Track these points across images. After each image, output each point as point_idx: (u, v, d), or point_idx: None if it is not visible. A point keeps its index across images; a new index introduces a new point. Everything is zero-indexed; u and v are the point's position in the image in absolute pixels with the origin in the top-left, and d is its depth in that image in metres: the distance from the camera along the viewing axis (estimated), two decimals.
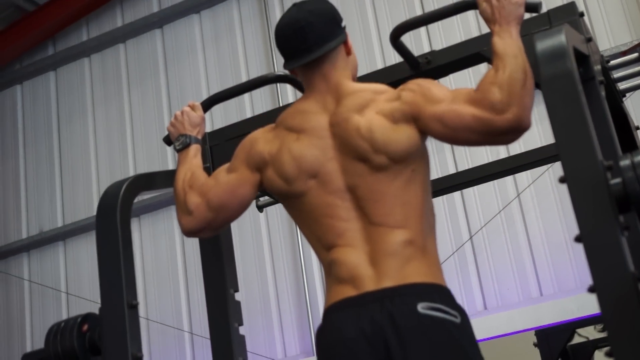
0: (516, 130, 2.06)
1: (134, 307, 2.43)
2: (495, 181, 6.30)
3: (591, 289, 1.90)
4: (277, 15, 7.56)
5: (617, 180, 1.93)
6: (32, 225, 8.20)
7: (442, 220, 6.52)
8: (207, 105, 2.82)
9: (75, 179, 7.99)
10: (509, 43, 2.14)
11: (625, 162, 1.94)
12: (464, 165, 6.37)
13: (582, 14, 2.60)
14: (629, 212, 1.93)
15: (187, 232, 2.44)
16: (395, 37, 2.64)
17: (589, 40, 2.53)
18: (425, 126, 2.18)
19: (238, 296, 2.93)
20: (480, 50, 2.68)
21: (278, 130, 2.34)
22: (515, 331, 6.14)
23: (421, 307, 2.05)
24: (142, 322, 7.31)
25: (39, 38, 8.52)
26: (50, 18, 8.36)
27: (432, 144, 7.00)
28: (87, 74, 8.43)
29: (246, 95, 7.50)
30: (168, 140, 2.78)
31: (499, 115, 2.04)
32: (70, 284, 7.74)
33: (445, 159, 6.64)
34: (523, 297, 6.19)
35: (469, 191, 6.47)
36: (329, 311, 2.17)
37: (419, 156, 2.23)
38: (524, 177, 6.28)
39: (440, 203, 6.50)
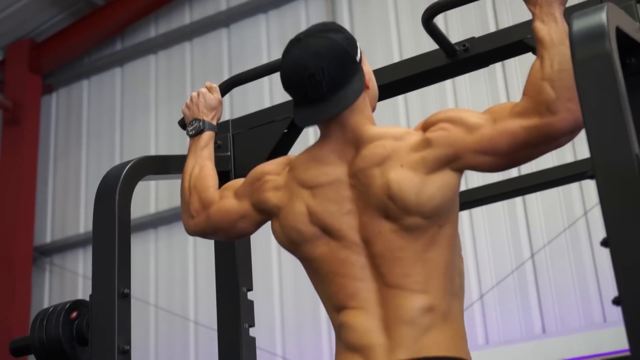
0: (576, 128, 1.84)
1: (125, 297, 2.27)
2: (561, 197, 6.02)
3: (616, 301, 1.65)
4: (344, 17, 7.41)
5: None
6: (89, 221, 8.17)
7: (502, 236, 6.25)
8: (226, 87, 2.67)
9: None
10: (553, 28, 1.91)
11: None
12: (527, 169, 6.08)
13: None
14: None
15: (189, 233, 2.35)
16: (428, 19, 2.42)
17: None
18: (470, 164, 1.93)
19: (251, 295, 2.74)
20: (524, 38, 2.44)
21: (290, 179, 2.10)
22: (574, 357, 5.80)
23: None
24: (191, 326, 7.24)
25: (107, 33, 8.54)
26: (119, 13, 8.38)
27: None
28: (152, 72, 8.39)
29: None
30: (183, 124, 2.62)
31: (555, 116, 1.82)
32: None
33: None
34: (585, 322, 5.85)
35: (533, 206, 6.18)
36: None
37: (449, 208, 1.96)
38: (592, 192, 5.95)
39: (500, 216, 6.24)
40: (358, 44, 2.09)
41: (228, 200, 2.22)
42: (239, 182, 2.27)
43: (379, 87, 2.62)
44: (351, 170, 2.00)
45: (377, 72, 2.67)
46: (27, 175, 8.43)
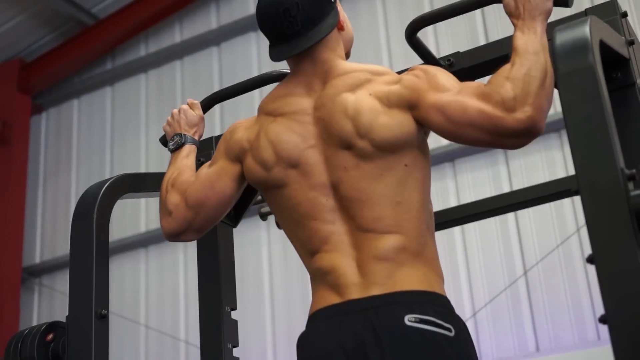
0: (527, 133, 1.83)
1: (103, 317, 2.22)
2: (554, 214, 5.98)
3: (602, 319, 1.61)
4: None
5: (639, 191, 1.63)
6: None
7: (494, 253, 6.20)
8: (207, 104, 2.63)
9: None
10: (531, 39, 1.91)
11: None
12: (519, 184, 6.05)
13: (624, 14, 2.31)
14: None
15: (168, 236, 2.24)
16: (412, 33, 2.38)
17: (632, 43, 2.25)
18: (425, 116, 1.94)
19: (235, 315, 2.70)
20: (509, 52, 2.41)
21: (259, 117, 2.15)
22: None
23: (409, 319, 1.82)
24: (181, 345, 7.16)
25: (98, 52, 8.50)
26: (109, 32, 8.34)
27: (488, 155, 6.54)
28: (142, 91, 8.35)
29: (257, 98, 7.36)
30: (164, 140, 2.59)
31: (509, 113, 1.82)
32: (113, 301, 7.55)
33: (499, 173, 6.33)
34: (579, 340, 5.79)
35: (525, 223, 6.13)
36: (310, 319, 1.96)
37: (414, 150, 1.98)
38: None
39: (493, 234, 6.20)
40: None
41: (203, 173, 2.21)
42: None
43: None
44: (318, 102, 2.03)
45: None
46: (16, 196, 8.36)
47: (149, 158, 8.03)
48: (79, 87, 8.71)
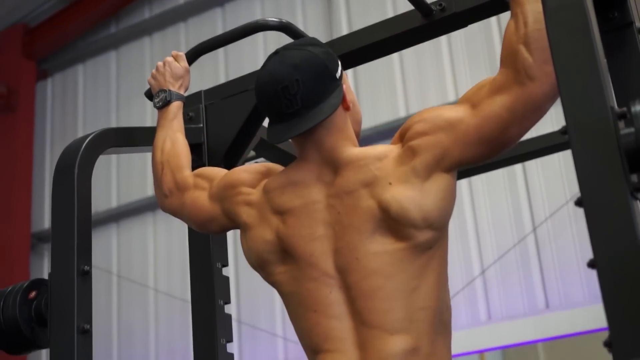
0: (556, 92, 1.71)
1: (86, 274, 2.16)
2: (563, 168, 5.90)
3: (591, 264, 1.54)
4: (341, 6, 7.29)
5: (630, 130, 1.55)
6: None
7: (503, 210, 6.14)
8: (193, 55, 2.56)
9: (130, 160, 7.83)
10: None
11: (638, 108, 1.56)
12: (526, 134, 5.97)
13: None
14: None
15: (162, 209, 2.28)
16: None
17: None
18: (461, 158, 1.80)
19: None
20: None
21: (263, 200, 1.96)
22: (578, 332, 5.70)
23: None
24: (190, 308, 7.14)
25: (101, 16, 8.46)
26: None
27: None
28: (147, 54, 8.29)
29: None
30: (149, 94, 2.53)
31: (534, 82, 1.71)
32: (122, 265, 7.60)
33: None
34: (589, 296, 5.74)
35: (534, 179, 6.06)
36: None
37: (448, 219, 1.84)
38: None
39: (501, 190, 6.13)
40: (340, 62, 1.97)
41: (202, 195, 2.12)
42: (213, 173, 2.15)
43: (355, 50, 2.53)
44: (331, 192, 1.87)
45: (351, 36, 2.58)
46: (23, 162, 8.37)
47: (154, 121, 7.92)
48: (84, 52, 8.67)
